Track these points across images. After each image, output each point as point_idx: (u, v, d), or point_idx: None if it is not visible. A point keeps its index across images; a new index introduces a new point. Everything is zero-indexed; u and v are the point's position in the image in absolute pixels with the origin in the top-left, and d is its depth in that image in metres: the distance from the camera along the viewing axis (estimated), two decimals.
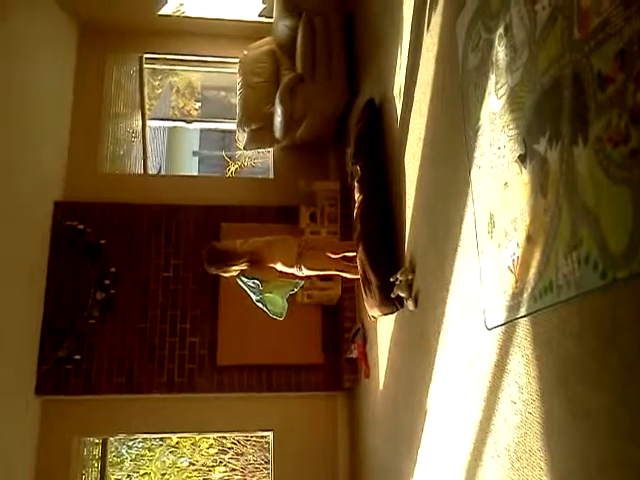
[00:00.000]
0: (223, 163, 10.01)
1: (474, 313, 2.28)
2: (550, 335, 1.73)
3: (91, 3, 5.63)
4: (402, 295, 3.15)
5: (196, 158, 12.87)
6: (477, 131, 2.29)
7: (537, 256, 1.79)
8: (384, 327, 3.85)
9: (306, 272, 3.97)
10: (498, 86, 2.11)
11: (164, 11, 5.75)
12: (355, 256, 3.82)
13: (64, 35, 5.73)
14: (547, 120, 1.75)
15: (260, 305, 3.95)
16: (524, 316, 1.87)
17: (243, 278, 3.87)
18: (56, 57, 5.58)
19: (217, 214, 5.41)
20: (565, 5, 1.64)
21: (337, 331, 5.11)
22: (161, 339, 5.08)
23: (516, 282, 1.93)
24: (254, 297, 3.91)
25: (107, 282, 5.12)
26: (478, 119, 2.28)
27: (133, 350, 5.03)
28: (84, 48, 5.86)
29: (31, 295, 4.90)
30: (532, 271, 1.82)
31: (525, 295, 1.86)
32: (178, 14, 5.81)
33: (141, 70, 6.17)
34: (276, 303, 3.93)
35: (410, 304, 3.09)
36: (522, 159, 1.91)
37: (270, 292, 3.88)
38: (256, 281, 3.84)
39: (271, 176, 5.97)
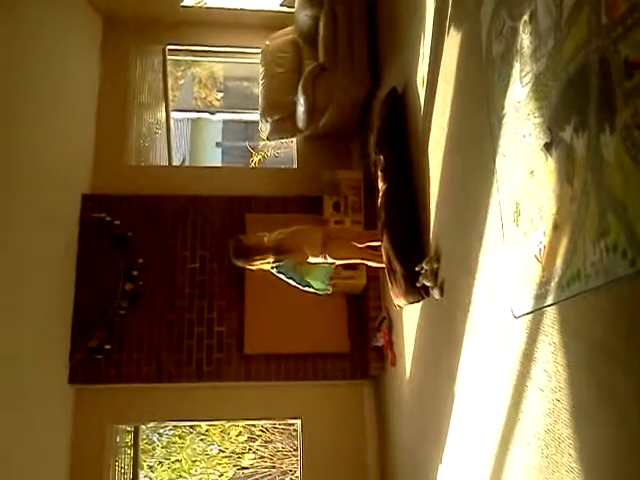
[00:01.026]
0: (246, 154, 10.04)
1: (501, 301, 2.29)
2: (578, 323, 1.73)
3: None
4: (428, 284, 3.15)
5: (219, 149, 12.92)
6: (502, 119, 2.28)
7: (564, 244, 1.79)
8: (410, 316, 3.86)
9: (331, 261, 3.99)
10: (523, 74, 2.09)
11: (187, 2, 5.78)
12: (380, 245, 3.83)
13: (89, 27, 5.80)
14: (573, 108, 1.74)
15: (304, 288, 3.94)
16: (552, 304, 1.87)
17: (277, 273, 3.90)
18: (81, 50, 5.65)
19: (241, 205, 5.45)
20: None
21: (363, 320, 5.13)
22: (189, 329, 5.15)
23: (543, 270, 1.93)
24: (295, 283, 3.93)
25: (135, 273, 5.19)
26: (503, 107, 2.27)
27: (162, 340, 5.11)
28: (108, 40, 5.92)
29: (62, 287, 5.00)
30: (559, 260, 1.82)
31: (552, 283, 1.86)
32: (200, 5, 5.83)
33: (164, 61, 6.22)
34: (319, 280, 3.93)
35: (436, 293, 3.10)
36: (548, 147, 1.91)
37: (309, 274, 3.90)
38: (290, 276, 3.87)
39: (294, 166, 5.99)
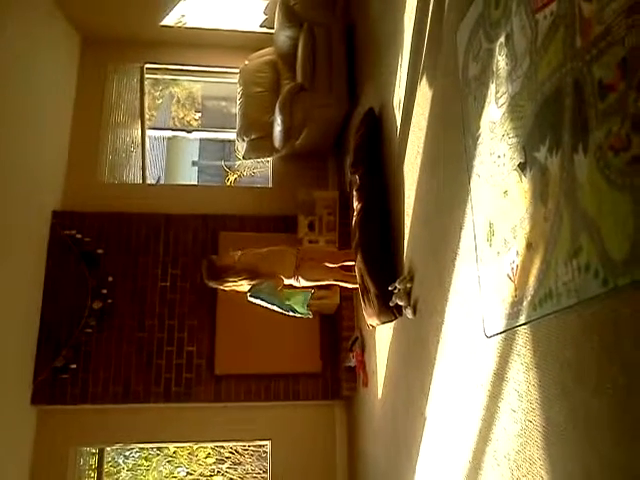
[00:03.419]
0: (222, 173, 10.02)
1: (473, 321, 2.28)
2: (550, 342, 1.73)
3: (94, 14, 5.66)
4: (401, 303, 3.15)
5: (195, 168, 12.88)
6: (477, 140, 2.29)
7: (537, 264, 1.79)
8: (383, 336, 3.84)
9: (304, 283, 3.98)
10: (498, 95, 2.11)
11: (166, 22, 5.77)
12: (354, 265, 3.82)
13: (67, 44, 5.77)
14: (547, 128, 1.75)
15: (286, 312, 3.90)
16: (524, 324, 1.87)
17: (252, 298, 3.86)
18: (58, 66, 5.61)
19: (216, 223, 5.42)
20: (567, 13, 1.65)
21: (335, 340, 5.10)
22: (158, 348, 5.07)
23: (515, 290, 1.93)
24: (276, 307, 3.88)
25: (104, 291, 5.11)
26: (478, 128, 2.28)
27: (130, 359, 5.01)
28: (86, 58, 5.90)
29: (28, 304, 4.89)
30: (532, 279, 1.82)
31: (524, 303, 1.86)
32: (180, 25, 5.83)
33: (142, 80, 6.20)
34: (299, 304, 3.89)
35: (409, 312, 3.09)
36: (522, 167, 1.92)
37: (287, 299, 3.87)
38: (270, 300, 3.83)
39: (270, 185, 5.98)
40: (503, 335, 2.02)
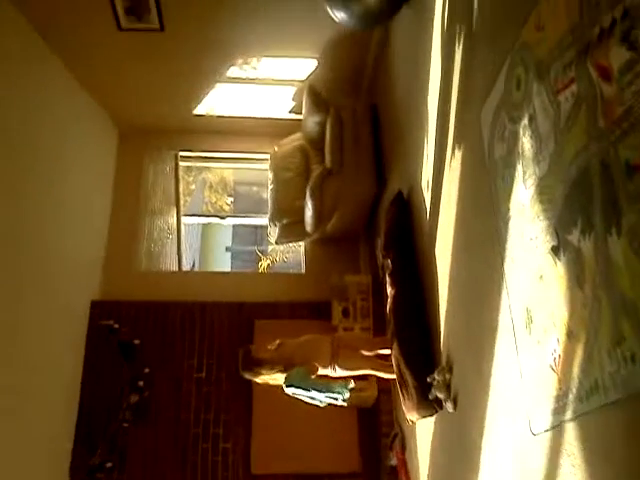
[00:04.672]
0: (255, 258, 10.12)
1: (517, 415, 2.13)
2: (600, 439, 1.59)
3: (132, 108, 5.93)
4: (440, 396, 2.99)
5: (229, 253, 13.05)
6: (507, 222, 2.23)
7: (579, 353, 1.68)
8: (423, 430, 3.64)
9: (340, 372, 3.86)
10: (526, 177, 2.06)
11: (198, 111, 5.99)
12: (390, 354, 3.70)
13: (106, 137, 6.04)
14: (578, 210, 1.69)
15: (324, 399, 3.75)
16: (571, 419, 1.73)
17: (288, 389, 3.75)
18: (98, 157, 5.86)
19: (250, 311, 5.39)
20: (588, 95, 1.62)
21: (375, 436, 4.86)
22: (194, 445, 4.95)
23: (559, 382, 1.80)
24: (310, 394, 3.74)
25: (141, 384, 5.07)
26: (508, 210, 2.22)
27: (165, 457, 4.90)
28: (124, 148, 6.15)
29: (66, 396, 4.88)
30: (576, 370, 1.70)
31: (570, 396, 1.73)
32: (211, 114, 6.04)
33: (177, 167, 6.39)
34: (337, 390, 3.75)
35: (449, 406, 2.92)
36: (555, 250, 1.84)
37: (325, 387, 3.74)
38: (300, 386, 3.71)
39: (303, 271, 5.97)
40: (550, 432, 1.87)
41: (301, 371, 3.74)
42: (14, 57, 4.25)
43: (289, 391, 3.77)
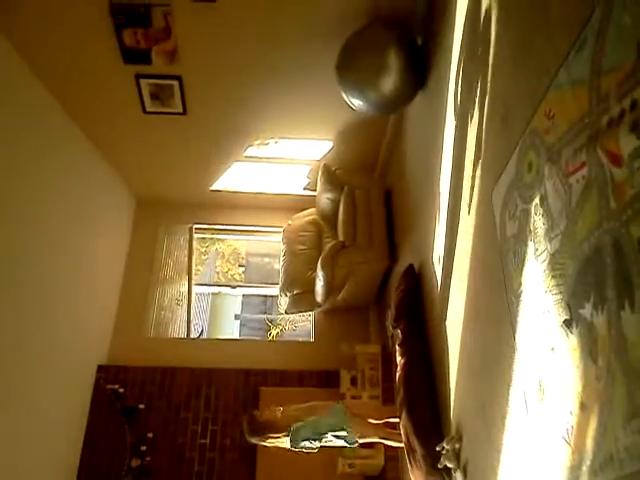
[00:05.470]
0: (264, 326, 10.15)
1: None
2: None
3: (151, 180, 6.15)
4: (450, 465, 2.99)
5: (238, 321, 13.05)
6: (519, 296, 2.30)
7: (593, 426, 1.71)
8: None
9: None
10: (538, 253, 2.14)
11: (215, 187, 6.19)
12: (398, 422, 3.69)
13: (124, 207, 6.20)
14: (591, 285, 1.75)
15: (332, 440, 3.75)
16: None
17: (300, 443, 3.73)
18: (115, 226, 6.00)
19: (257, 378, 5.39)
20: (599, 178, 1.70)
21: None
22: None
23: (573, 454, 1.83)
24: (319, 441, 3.73)
25: (143, 448, 5.02)
26: (520, 284, 2.30)
27: None
28: (140, 218, 6.31)
29: (67, 457, 4.84)
30: (589, 442, 1.73)
31: (584, 468, 1.75)
32: (228, 189, 6.23)
33: (191, 239, 6.54)
34: (338, 427, 3.72)
35: (459, 476, 2.92)
36: (568, 324, 1.89)
37: (327, 425, 3.71)
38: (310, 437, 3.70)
39: (312, 339, 5.99)
40: None
41: (305, 427, 3.73)
42: (36, 126, 4.46)
43: (296, 447, 3.74)
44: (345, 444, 3.81)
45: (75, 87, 4.60)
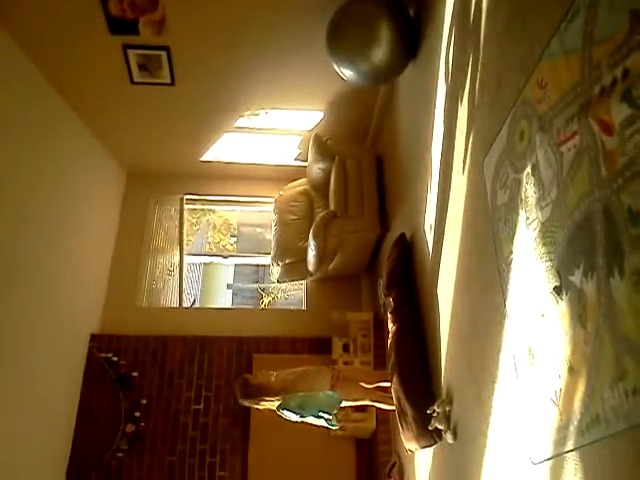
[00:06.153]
0: (257, 295, 10.22)
1: (517, 446, 2.22)
2: (601, 470, 1.67)
3: (140, 152, 6.11)
4: (440, 427, 3.07)
5: (230, 291, 13.10)
6: (510, 264, 2.33)
7: (581, 388, 1.76)
8: (422, 461, 3.71)
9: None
10: (529, 221, 2.17)
11: (205, 157, 6.16)
12: (390, 386, 3.77)
13: (114, 179, 6.18)
14: (581, 253, 1.78)
15: (316, 420, 3.81)
16: (572, 450, 1.81)
17: (284, 412, 3.81)
18: (104, 198, 5.99)
19: (250, 346, 5.45)
20: (590, 147, 1.72)
21: (372, 465, 4.91)
22: (190, 474, 4.96)
23: (561, 414, 1.89)
24: (305, 417, 3.80)
25: (137, 414, 5.09)
26: (510, 252, 2.33)
27: None
28: (130, 190, 6.29)
29: (62, 425, 4.91)
30: (577, 403, 1.78)
31: (571, 428, 1.81)
32: (218, 160, 6.20)
33: (182, 210, 6.53)
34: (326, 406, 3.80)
35: (449, 437, 3.00)
36: (558, 291, 1.93)
37: (316, 403, 3.79)
38: (298, 412, 3.77)
39: (304, 308, 6.05)
40: (550, 462, 1.95)
41: (296, 399, 3.79)
42: (21, 100, 4.41)
43: (283, 414, 3.82)
44: (326, 425, 3.86)
45: (61, 59, 4.53)
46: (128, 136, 5.77)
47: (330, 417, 3.80)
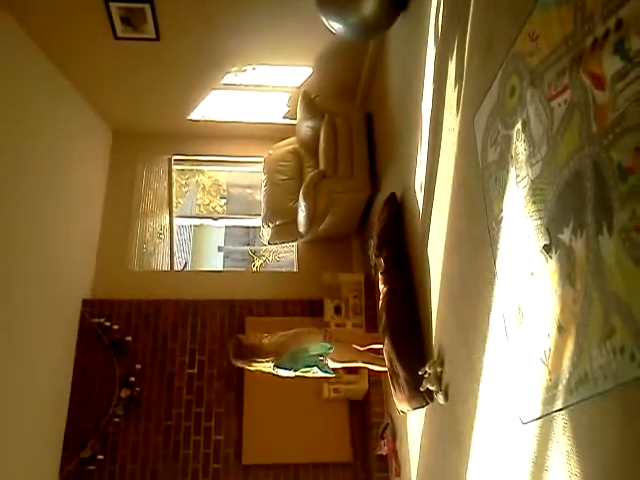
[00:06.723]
0: (248, 258, 10.20)
1: (507, 406, 2.22)
2: (590, 428, 1.67)
3: (126, 111, 5.98)
4: (431, 388, 3.08)
5: (221, 253, 13.08)
6: (500, 222, 2.31)
7: (570, 347, 1.76)
8: (414, 422, 3.74)
9: (332, 364, 3.93)
10: (519, 179, 2.14)
11: (193, 116, 6.04)
12: (382, 348, 3.78)
13: (99, 139, 6.06)
14: (570, 210, 1.76)
15: (311, 372, 3.85)
16: (561, 409, 1.82)
17: (278, 370, 3.82)
18: (90, 159, 5.88)
19: (242, 308, 5.45)
20: (581, 102, 1.69)
21: (365, 427, 4.97)
22: (185, 438, 5.00)
23: (549, 374, 1.88)
24: (299, 371, 3.83)
25: (132, 379, 5.11)
26: (500, 210, 2.31)
27: (157, 449, 4.95)
28: (117, 151, 6.17)
29: (57, 392, 4.91)
30: (565, 362, 1.78)
31: (560, 387, 1.81)
32: (206, 119, 6.09)
33: (170, 171, 6.44)
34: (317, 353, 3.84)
35: (440, 398, 3.02)
36: (547, 249, 1.91)
37: (307, 354, 3.82)
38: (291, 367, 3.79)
39: (295, 270, 6.04)
40: (540, 421, 1.96)
41: (287, 356, 3.81)
42: (5, 59, 4.29)
43: (278, 372, 3.84)
44: (321, 373, 3.88)
45: (41, 15, 4.40)
46: (113, 93, 5.63)
47: (322, 358, 3.82)
